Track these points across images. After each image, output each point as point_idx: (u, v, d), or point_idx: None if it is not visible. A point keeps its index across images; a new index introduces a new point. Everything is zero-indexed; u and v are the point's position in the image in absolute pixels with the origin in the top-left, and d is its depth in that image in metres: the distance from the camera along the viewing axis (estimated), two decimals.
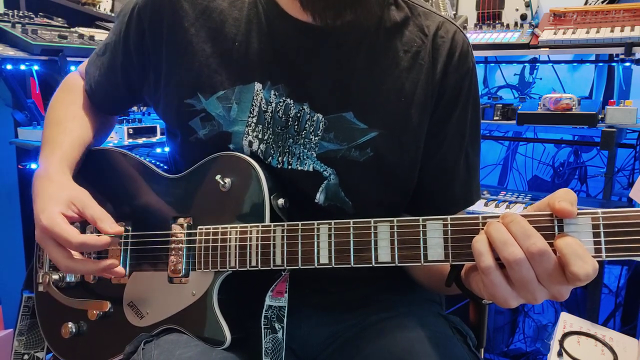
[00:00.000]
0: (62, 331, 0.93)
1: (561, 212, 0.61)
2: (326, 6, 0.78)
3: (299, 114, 0.86)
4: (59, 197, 0.85)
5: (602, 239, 0.61)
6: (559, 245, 0.60)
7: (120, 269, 0.86)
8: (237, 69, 0.87)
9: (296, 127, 0.86)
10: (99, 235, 0.83)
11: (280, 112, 0.86)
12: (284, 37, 0.86)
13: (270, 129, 0.87)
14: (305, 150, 0.86)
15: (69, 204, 0.85)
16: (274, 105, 0.86)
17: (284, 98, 0.86)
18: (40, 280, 0.98)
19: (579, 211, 0.62)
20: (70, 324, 0.93)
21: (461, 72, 0.88)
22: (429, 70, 0.87)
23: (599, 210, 0.61)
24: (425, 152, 0.90)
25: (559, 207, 0.61)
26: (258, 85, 0.87)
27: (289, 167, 0.86)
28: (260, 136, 0.87)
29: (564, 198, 0.62)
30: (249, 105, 0.87)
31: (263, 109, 0.86)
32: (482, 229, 0.65)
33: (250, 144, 0.87)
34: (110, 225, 0.84)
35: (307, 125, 0.86)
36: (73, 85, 1.06)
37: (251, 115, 0.87)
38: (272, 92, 0.86)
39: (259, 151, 0.87)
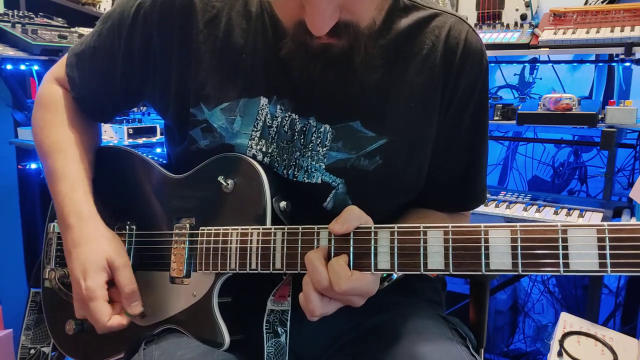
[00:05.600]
0: (66, 327, 0.94)
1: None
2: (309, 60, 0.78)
3: (304, 128, 0.85)
4: (97, 261, 0.84)
5: (608, 252, 0.60)
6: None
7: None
8: (243, 81, 0.85)
9: (302, 140, 0.85)
10: (122, 317, 0.84)
11: (286, 126, 0.85)
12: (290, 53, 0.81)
13: (275, 143, 0.85)
14: (314, 163, 0.84)
15: (105, 268, 0.85)
16: (279, 120, 0.85)
17: (289, 113, 0.85)
18: (47, 277, 0.98)
19: (583, 224, 0.62)
20: (74, 321, 0.93)
21: (475, 73, 0.87)
22: (440, 73, 0.85)
23: (605, 224, 0.61)
24: (438, 154, 0.89)
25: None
26: (264, 100, 0.85)
27: (295, 179, 0.85)
28: (264, 149, 0.86)
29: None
30: (254, 119, 0.85)
31: (268, 123, 0.85)
32: (484, 237, 0.66)
33: (254, 157, 0.85)
34: (133, 305, 0.85)
35: (313, 138, 0.84)
36: (54, 100, 0.98)
37: (255, 129, 0.85)
38: (278, 106, 0.85)
39: (264, 163, 0.86)
